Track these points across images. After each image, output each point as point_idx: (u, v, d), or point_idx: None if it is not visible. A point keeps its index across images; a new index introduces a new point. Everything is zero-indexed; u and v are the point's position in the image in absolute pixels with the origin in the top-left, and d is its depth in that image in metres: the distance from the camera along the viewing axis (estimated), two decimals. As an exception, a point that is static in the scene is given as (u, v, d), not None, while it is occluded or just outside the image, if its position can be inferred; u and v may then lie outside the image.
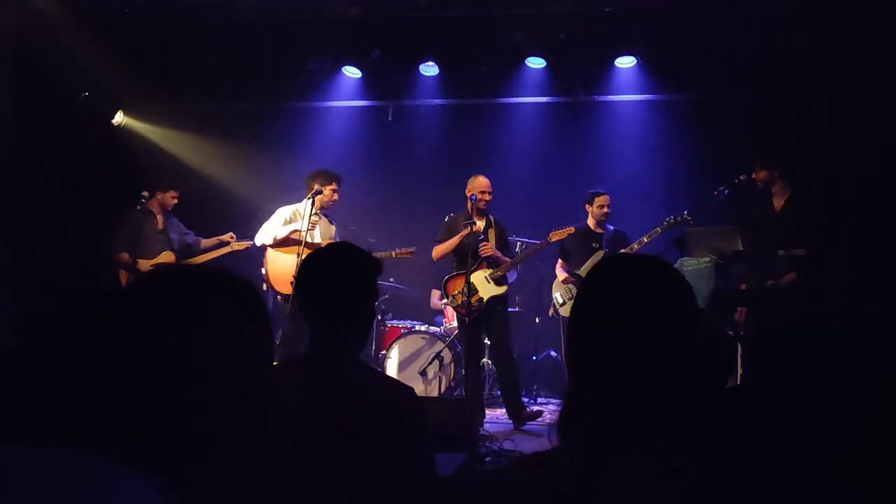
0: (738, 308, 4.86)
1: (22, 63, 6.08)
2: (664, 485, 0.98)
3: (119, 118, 7.23)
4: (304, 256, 5.44)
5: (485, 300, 5.58)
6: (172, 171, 6.72)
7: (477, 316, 5.58)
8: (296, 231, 5.61)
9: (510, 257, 5.76)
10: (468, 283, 5.53)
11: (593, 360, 1.11)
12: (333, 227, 5.89)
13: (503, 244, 5.79)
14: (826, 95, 5.82)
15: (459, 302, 5.56)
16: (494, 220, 5.82)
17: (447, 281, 5.82)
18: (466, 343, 5.61)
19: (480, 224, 5.72)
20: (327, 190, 5.69)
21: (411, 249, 5.82)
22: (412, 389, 1.78)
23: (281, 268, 5.70)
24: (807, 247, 4.61)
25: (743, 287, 4.90)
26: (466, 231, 5.56)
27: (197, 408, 0.89)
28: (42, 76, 6.16)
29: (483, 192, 5.63)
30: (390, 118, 7.67)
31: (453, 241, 5.64)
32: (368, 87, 7.50)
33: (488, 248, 5.62)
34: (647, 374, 1.05)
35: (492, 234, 5.72)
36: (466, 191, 5.70)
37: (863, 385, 1.07)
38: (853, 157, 5.58)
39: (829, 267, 4.62)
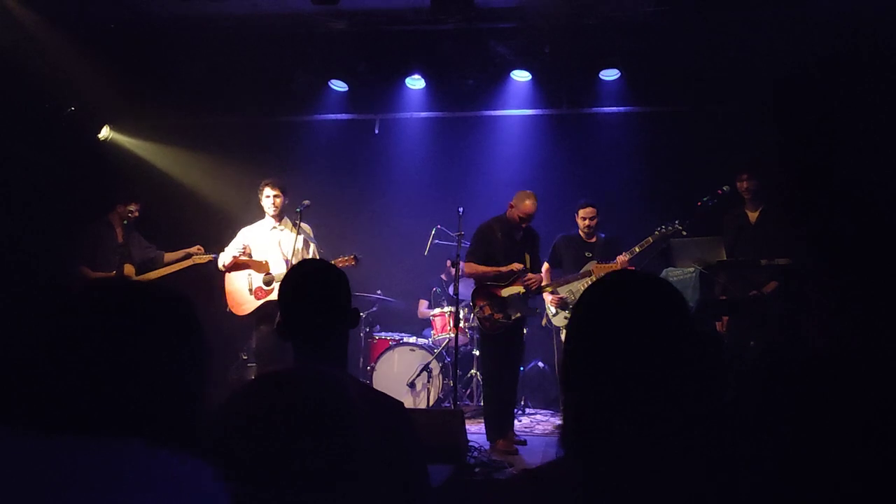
0: (721, 318, 4.90)
1: (7, 77, 6.06)
2: (666, 494, 1.00)
3: (105, 132, 7.22)
4: (251, 276, 5.51)
5: (512, 318, 5.38)
6: (133, 184, 6.60)
7: (501, 331, 5.38)
8: (236, 255, 5.55)
9: (538, 269, 5.64)
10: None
11: (591, 375, 1.13)
12: (301, 238, 5.61)
13: (535, 261, 5.63)
14: (804, 105, 5.91)
15: (486, 314, 5.38)
16: (533, 233, 5.66)
17: (478, 291, 5.53)
18: (490, 357, 5.50)
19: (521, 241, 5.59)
20: (262, 198, 5.62)
21: (351, 256, 5.53)
22: (401, 403, 1.80)
23: (233, 290, 5.66)
24: (784, 256, 4.67)
25: (722, 297, 4.94)
26: (509, 269, 5.36)
27: (132, 416, 0.93)
28: (28, 91, 6.14)
29: (522, 219, 5.39)
30: (377, 131, 7.70)
31: (491, 271, 5.39)
32: (355, 100, 7.53)
33: (534, 281, 5.45)
34: (646, 387, 1.08)
35: (527, 257, 5.55)
36: (510, 203, 5.44)
37: (857, 394, 1.10)
38: (831, 166, 5.66)
39: (810, 276, 4.68)
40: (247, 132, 7.53)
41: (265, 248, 5.62)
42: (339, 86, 7.42)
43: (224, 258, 5.62)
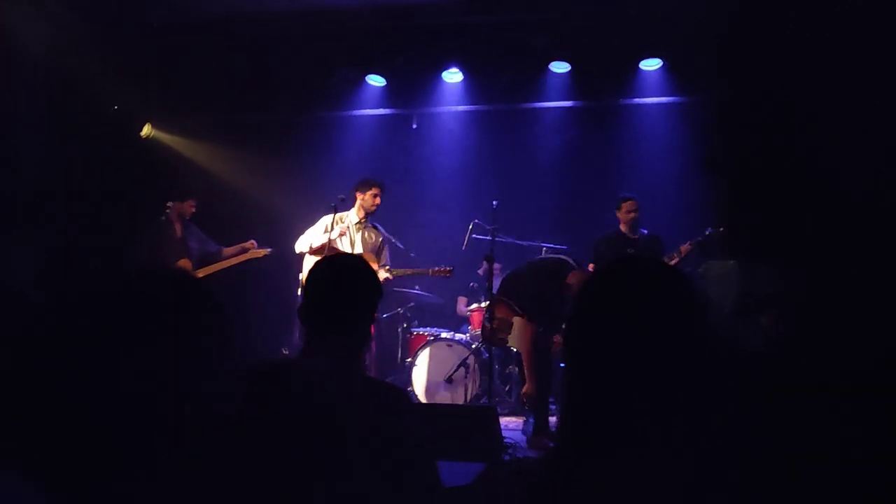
0: (766, 311, 4.74)
1: (53, 78, 6.21)
2: (657, 492, 0.95)
3: (147, 130, 7.35)
4: None
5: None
6: (190, 180, 6.80)
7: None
8: (332, 239, 5.73)
9: None
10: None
11: (590, 367, 1.08)
12: (381, 238, 5.99)
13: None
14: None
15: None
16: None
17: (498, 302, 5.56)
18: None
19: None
20: (367, 196, 5.87)
21: (449, 268, 5.89)
22: (403, 393, 1.77)
23: None
24: None
25: (765, 290, 4.79)
26: None
27: (146, 407, 0.89)
28: (72, 91, 6.28)
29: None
30: (415, 126, 7.68)
31: None
32: (392, 95, 7.52)
33: None
34: (645, 380, 1.02)
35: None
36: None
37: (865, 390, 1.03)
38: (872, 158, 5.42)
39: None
40: (285, 128, 7.59)
41: (348, 241, 5.87)
42: (376, 81, 7.42)
43: (311, 241, 5.80)
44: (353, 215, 5.93)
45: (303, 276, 5.86)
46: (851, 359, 1.12)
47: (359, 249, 5.88)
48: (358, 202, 5.95)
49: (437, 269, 5.90)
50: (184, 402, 0.93)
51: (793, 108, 5.94)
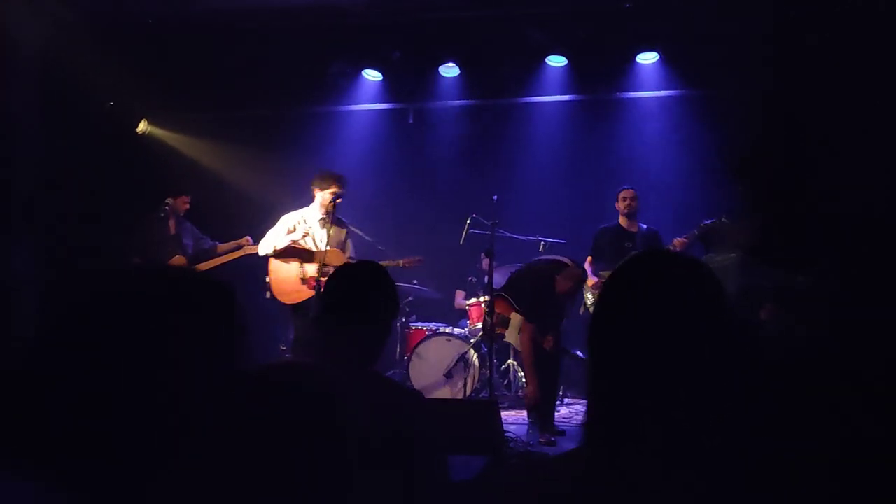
0: (765, 306, 4.76)
1: (49, 74, 6.18)
2: (684, 495, 0.95)
3: (143, 126, 7.32)
4: (304, 266, 5.42)
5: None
6: (183, 177, 6.77)
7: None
8: (295, 241, 5.49)
9: None
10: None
11: (616, 363, 1.07)
12: (344, 232, 5.66)
13: None
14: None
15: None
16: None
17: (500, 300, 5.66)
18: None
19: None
20: (326, 194, 5.44)
21: (418, 258, 5.68)
22: (418, 394, 1.78)
23: (282, 278, 5.51)
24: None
25: (766, 283, 4.80)
26: None
27: (159, 411, 0.88)
28: (68, 87, 6.25)
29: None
30: (411, 120, 7.67)
31: None
32: (389, 89, 7.50)
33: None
34: (672, 378, 1.01)
35: None
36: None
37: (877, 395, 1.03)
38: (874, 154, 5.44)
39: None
40: (281, 123, 7.57)
41: (311, 239, 5.59)
42: (373, 75, 7.41)
43: (275, 243, 5.48)
44: (313, 212, 5.54)
45: (269, 279, 5.60)
46: (857, 358, 1.12)
47: (325, 247, 5.48)
48: (318, 198, 5.50)
49: (407, 259, 5.63)
50: (185, 403, 0.93)
51: (790, 100, 5.97)
